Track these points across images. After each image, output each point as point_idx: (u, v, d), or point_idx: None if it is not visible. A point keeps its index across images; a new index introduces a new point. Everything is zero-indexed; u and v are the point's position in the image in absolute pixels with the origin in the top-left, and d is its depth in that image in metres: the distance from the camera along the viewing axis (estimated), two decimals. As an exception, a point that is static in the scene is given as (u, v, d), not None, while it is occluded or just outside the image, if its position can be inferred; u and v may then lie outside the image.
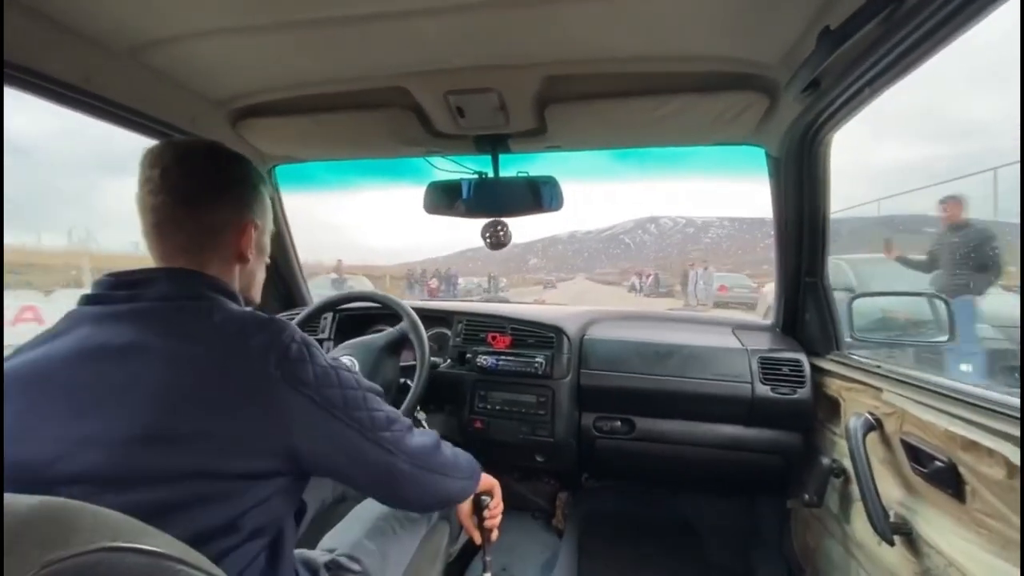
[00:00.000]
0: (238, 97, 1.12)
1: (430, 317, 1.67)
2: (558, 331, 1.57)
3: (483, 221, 1.37)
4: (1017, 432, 0.71)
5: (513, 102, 1.08)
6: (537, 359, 1.52)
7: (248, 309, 0.68)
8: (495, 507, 1.06)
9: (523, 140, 1.28)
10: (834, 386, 1.30)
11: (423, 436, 0.80)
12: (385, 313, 1.79)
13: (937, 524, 0.89)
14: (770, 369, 1.41)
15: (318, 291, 2.08)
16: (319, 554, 0.90)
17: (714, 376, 1.43)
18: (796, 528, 1.52)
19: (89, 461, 0.53)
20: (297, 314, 1.50)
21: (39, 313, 6.51)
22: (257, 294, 0.81)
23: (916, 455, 0.93)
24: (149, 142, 0.77)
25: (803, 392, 1.37)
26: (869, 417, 1.07)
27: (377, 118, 1.18)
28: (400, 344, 1.38)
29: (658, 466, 1.61)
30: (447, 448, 0.87)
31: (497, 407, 1.55)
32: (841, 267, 4.50)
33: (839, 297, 1.37)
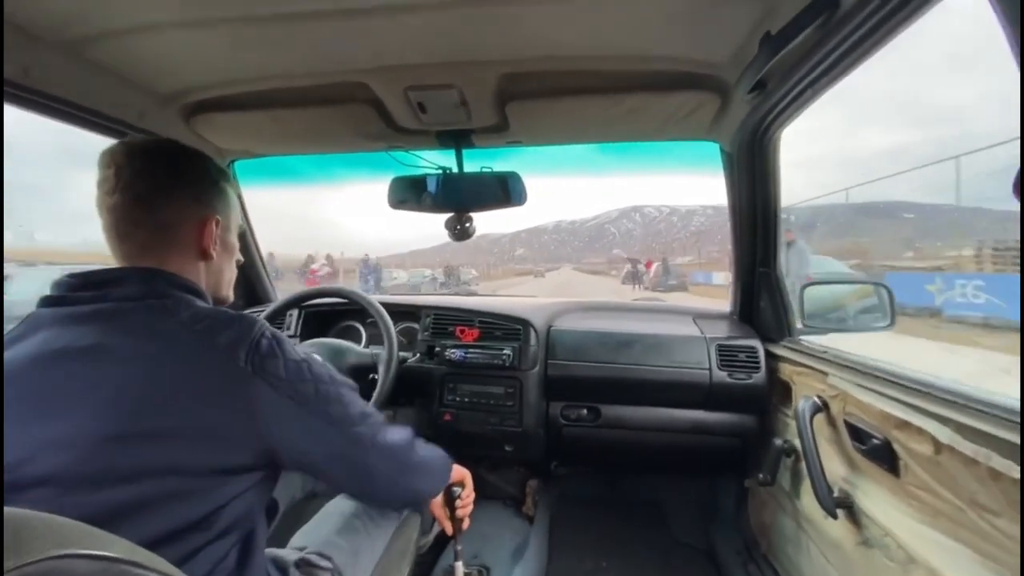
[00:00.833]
0: (190, 92, 1.08)
1: (398, 312, 1.67)
2: (525, 323, 1.59)
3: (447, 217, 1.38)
4: (946, 413, 0.77)
5: (474, 98, 1.09)
6: (505, 351, 1.54)
7: (218, 308, 0.67)
8: (466, 497, 1.08)
9: (486, 135, 1.29)
10: (786, 371, 1.37)
11: (397, 432, 0.81)
12: (352, 309, 1.78)
13: (875, 497, 0.96)
14: (727, 356, 1.47)
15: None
16: (289, 552, 0.90)
17: (674, 363, 1.48)
18: (753, 506, 1.59)
19: (56, 463, 0.52)
20: (262, 311, 1.48)
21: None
22: (227, 292, 0.80)
23: (857, 434, 1.00)
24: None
25: (758, 377, 1.43)
26: (816, 400, 1.13)
27: (337, 114, 1.17)
28: (370, 369, 1.38)
29: (624, 451, 1.66)
30: (420, 444, 0.88)
31: (466, 399, 1.57)
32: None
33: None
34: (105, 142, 1.16)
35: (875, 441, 0.93)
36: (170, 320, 0.60)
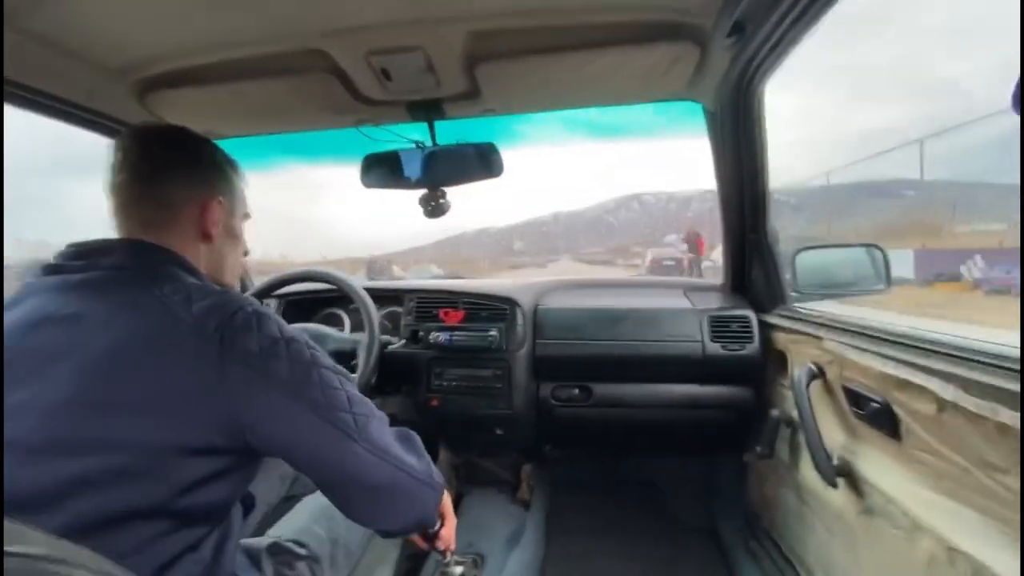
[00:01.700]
0: (139, 66, 1.02)
1: (381, 297, 1.62)
2: (511, 302, 1.54)
3: (421, 192, 1.32)
4: (947, 368, 0.72)
5: (441, 62, 1.03)
6: (491, 332, 1.49)
7: (207, 284, 0.67)
8: (446, 533, 0.89)
9: (458, 104, 1.22)
10: (781, 340, 1.32)
11: (397, 434, 0.72)
12: (334, 295, 1.73)
13: (876, 463, 0.91)
14: (720, 327, 1.42)
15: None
16: (262, 539, 0.86)
17: (666, 337, 1.44)
18: (752, 481, 1.56)
19: (20, 427, 0.51)
20: None
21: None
22: (230, 279, 0.79)
23: (856, 399, 0.95)
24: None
25: (751, 348, 1.39)
26: (812, 366, 1.09)
27: (297, 85, 1.11)
28: (352, 355, 1.33)
29: (618, 430, 1.63)
30: (421, 453, 0.77)
31: (454, 383, 1.53)
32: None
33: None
34: (62, 128, 1.12)
35: (874, 405, 0.89)
36: (152, 291, 0.59)
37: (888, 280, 1.22)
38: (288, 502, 1.28)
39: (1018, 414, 0.60)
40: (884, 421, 0.87)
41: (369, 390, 1.30)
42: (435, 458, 1.82)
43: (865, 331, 0.95)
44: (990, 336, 0.73)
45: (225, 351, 0.57)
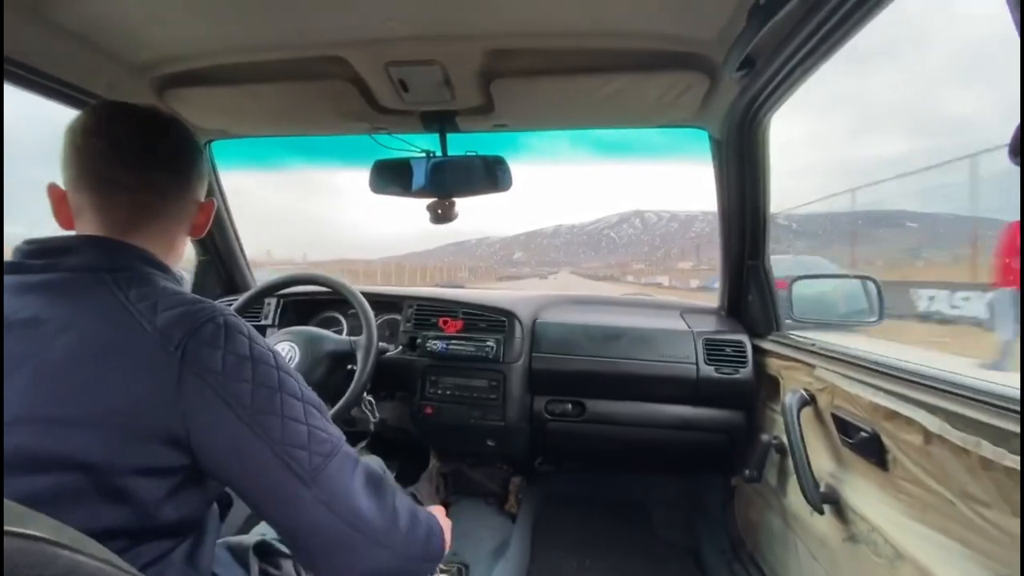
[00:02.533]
0: (162, 63, 1.04)
1: (380, 303, 1.63)
2: (510, 315, 1.56)
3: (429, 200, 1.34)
4: (935, 401, 0.74)
5: (457, 76, 1.05)
6: (488, 343, 1.50)
7: (175, 287, 0.61)
8: None
9: (470, 118, 1.25)
10: (774, 365, 1.34)
11: (366, 485, 0.62)
12: (333, 298, 1.74)
13: (863, 492, 0.93)
14: (714, 350, 1.44)
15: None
16: (248, 537, 0.85)
17: (661, 358, 1.46)
18: (739, 504, 1.57)
19: None
20: (237, 299, 1.44)
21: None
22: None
23: (845, 427, 0.97)
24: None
25: (745, 372, 1.41)
26: (804, 393, 1.11)
27: (316, 90, 1.13)
28: (348, 358, 1.32)
29: (609, 447, 1.63)
30: (404, 510, 0.66)
31: (448, 392, 1.53)
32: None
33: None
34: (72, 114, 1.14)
35: (863, 434, 0.91)
36: (115, 296, 0.55)
37: (881, 313, 1.25)
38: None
39: (1002, 449, 0.62)
40: (872, 450, 0.89)
41: (364, 394, 1.30)
42: (424, 466, 1.82)
43: (857, 361, 0.98)
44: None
45: (185, 365, 0.53)
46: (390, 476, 1.15)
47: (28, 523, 0.37)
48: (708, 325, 1.53)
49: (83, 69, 1.01)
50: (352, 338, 1.36)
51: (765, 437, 1.27)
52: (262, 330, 1.57)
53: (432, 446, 1.82)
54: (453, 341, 1.53)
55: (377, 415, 1.37)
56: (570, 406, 1.55)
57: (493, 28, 0.92)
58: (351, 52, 0.99)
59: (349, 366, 1.32)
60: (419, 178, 1.31)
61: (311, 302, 1.78)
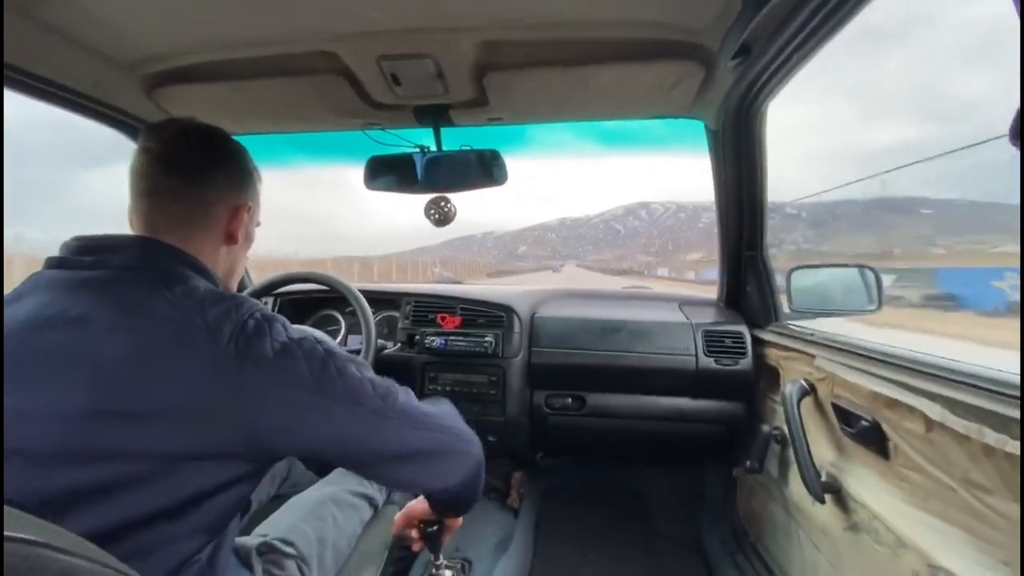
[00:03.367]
0: (149, 60, 1.03)
1: (378, 300, 1.62)
2: (508, 310, 1.55)
3: (426, 198, 1.33)
4: (936, 389, 0.74)
5: (450, 69, 1.04)
6: (487, 338, 1.50)
7: (215, 288, 0.64)
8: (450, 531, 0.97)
9: (465, 112, 1.24)
10: (773, 355, 1.34)
11: (423, 401, 0.71)
12: (331, 296, 1.73)
13: (864, 481, 0.93)
14: (713, 341, 1.44)
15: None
16: (251, 539, 0.86)
17: (660, 350, 1.45)
18: (740, 495, 1.57)
19: (25, 436, 0.50)
20: None
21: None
22: (235, 284, 0.79)
23: (845, 417, 0.97)
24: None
25: (744, 363, 1.40)
26: (804, 383, 1.11)
27: (307, 86, 1.12)
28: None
29: (609, 440, 1.63)
30: (457, 415, 0.78)
31: (448, 388, 1.53)
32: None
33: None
34: (64, 116, 1.13)
35: (864, 423, 0.91)
36: (162, 294, 0.58)
37: (880, 302, 1.24)
38: (276, 501, 1.27)
39: (1004, 436, 0.62)
40: (873, 439, 0.89)
41: None
42: None
43: (857, 350, 0.97)
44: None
45: (242, 358, 0.56)
46: None
47: (24, 527, 0.37)
48: (707, 317, 1.53)
49: (69, 67, 0.99)
50: (351, 345, 1.35)
51: (765, 428, 1.27)
52: None
53: None
54: (452, 337, 1.52)
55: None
56: (570, 400, 1.55)
57: (485, 19, 0.90)
58: (341, 46, 0.98)
59: None
60: (414, 173, 1.30)
61: (308, 300, 1.77)
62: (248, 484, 0.62)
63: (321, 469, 1.18)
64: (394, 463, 0.67)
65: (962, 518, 0.71)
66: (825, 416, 1.07)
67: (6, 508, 0.38)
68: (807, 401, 1.11)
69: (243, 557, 0.79)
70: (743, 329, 1.44)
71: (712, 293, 1.69)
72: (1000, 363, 0.71)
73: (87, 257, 0.61)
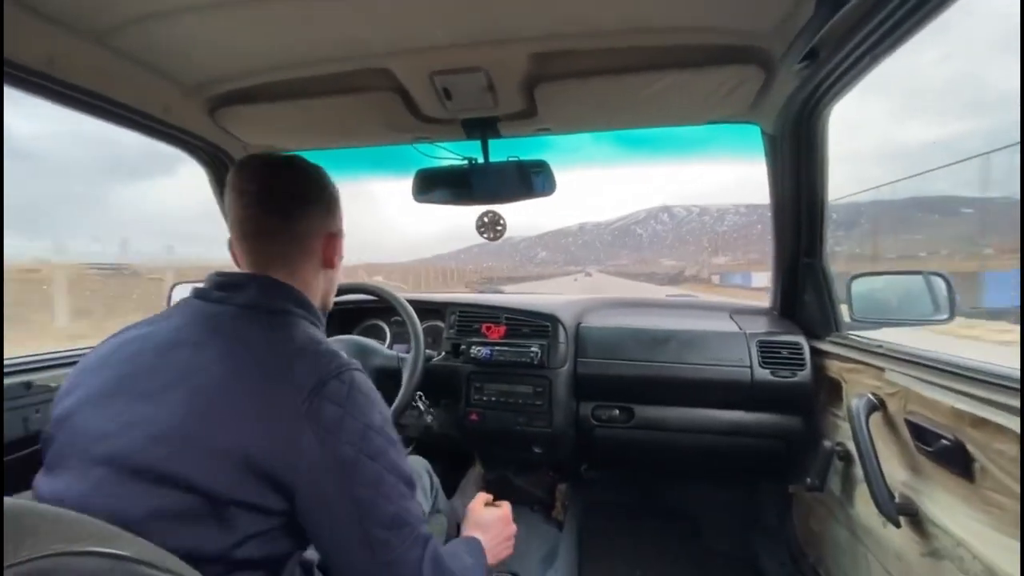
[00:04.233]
0: (213, 83, 1.07)
1: (423, 309, 1.64)
2: (553, 320, 1.54)
3: (477, 211, 1.34)
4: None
5: (501, 82, 1.05)
6: (533, 349, 1.49)
7: (318, 334, 0.68)
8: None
9: (513, 123, 1.24)
10: (835, 368, 1.28)
11: (431, 566, 0.63)
12: (376, 306, 1.76)
13: (945, 504, 0.87)
14: (769, 352, 1.39)
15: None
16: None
17: (712, 361, 1.41)
18: (798, 513, 1.50)
19: (121, 446, 0.54)
20: None
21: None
22: (332, 300, 0.83)
23: (921, 434, 0.91)
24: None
25: (803, 375, 1.35)
26: (872, 398, 1.05)
27: (361, 103, 1.14)
28: (394, 375, 1.32)
29: (658, 454, 1.59)
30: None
31: (493, 399, 1.53)
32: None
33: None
34: (129, 136, 1.18)
35: (944, 442, 0.85)
36: (268, 336, 0.62)
37: (952, 311, 1.17)
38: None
39: None
40: (955, 459, 0.83)
41: (412, 400, 1.31)
42: (469, 469, 1.82)
43: (935, 364, 0.91)
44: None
45: (308, 419, 0.56)
46: (436, 482, 1.16)
47: (116, 542, 0.38)
48: (760, 326, 1.48)
49: (140, 91, 1.05)
50: (400, 354, 1.36)
51: (827, 444, 1.21)
52: None
53: (477, 452, 1.81)
54: (497, 347, 1.52)
55: (431, 412, 1.41)
56: (617, 412, 1.52)
57: (538, 31, 0.90)
58: (396, 63, 1.00)
59: (395, 383, 1.32)
60: (462, 185, 1.31)
61: (355, 310, 1.81)
62: (293, 535, 0.60)
63: None
64: None
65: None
66: (896, 433, 1.01)
67: (97, 523, 0.39)
68: (875, 416, 1.05)
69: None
70: (801, 340, 1.39)
71: (740, 298, 1.64)
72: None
73: (218, 292, 0.66)
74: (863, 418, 1.02)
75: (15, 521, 0.34)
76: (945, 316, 1.20)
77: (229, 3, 0.79)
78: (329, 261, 0.77)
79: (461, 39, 0.92)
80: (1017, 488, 0.72)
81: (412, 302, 1.40)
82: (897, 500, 0.95)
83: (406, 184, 1.37)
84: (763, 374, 1.37)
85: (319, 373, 0.59)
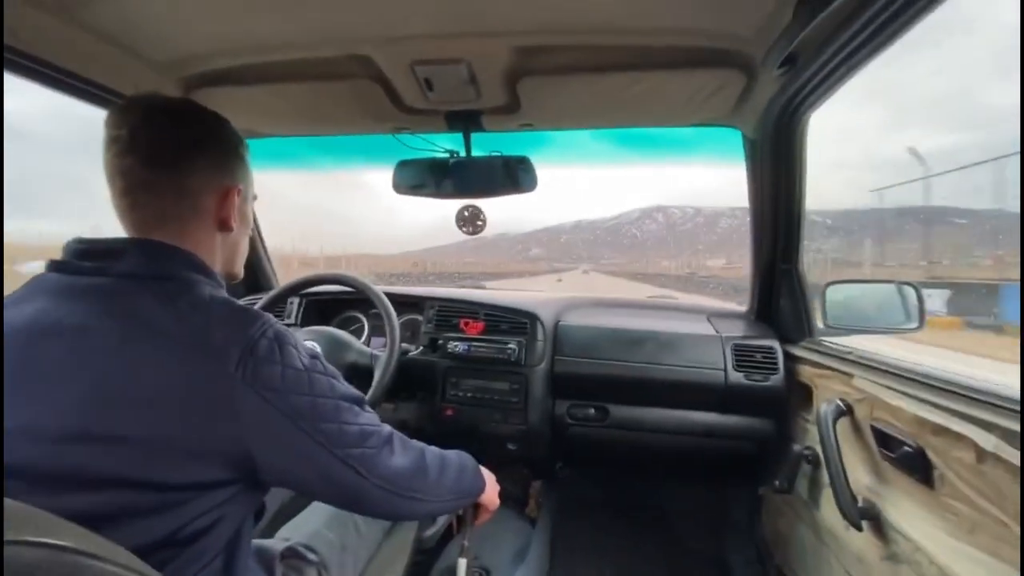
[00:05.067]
0: (188, 62, 1.04)
1: (401, 303, 1.62)
2: (532, 317, 1.53)
3: (457, 205, 1.33)
4: (990, 418, 0.70)
5: (484, 75, 1.04)
6: (510, 345, 1.49)
7: (222, 295, 0.61)
8: (484, 511, 1.03)
9: (496, 117, 1.23)
10: (806, 373, 1.30)
11: (403, 456, 0.71)
12: (355, 298, 1.74)
13: (905, 509, 0.89)
14: (744, 356, 1.40)
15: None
16: (275, 543, 0.86)
17: (688, 363, 1.42)
18: (767, 514, 1.52)
19: (28, 455, 0.47)
20: (259, 299, 1.44)
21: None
22: (239, 268, 0.76)
23: (885, 441, 0.93)
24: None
25: (776, 379, 1.36)
26: (840, 403, 1.07)
27: (341, 90, 1.12)
28: (366, 373, 1.29)
29: (632, 453, 1.60)
30: (434, 465, 0.77)
31: (469, 394, 1.52)
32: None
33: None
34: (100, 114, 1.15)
35: (907, 449, 0.87)
36: (166, 307, 0.54)
37: (922, 320, 1.19)
38: (297, 500, 1.28)
39: None
40: (916, 466, 0.85)
41: (385, 396, 1.29)
42: None
43: (900, 372, 0.93)
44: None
45: (247, 385, 0.53)
46: None
47: (57, 533, 0.37)
48: (737, 330, 1.49)
49: (110, 68, 1.01)
50: (374, 352, 1.34)
51: (796, 447, 1.23)
52: None
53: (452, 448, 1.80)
54: (475, 343, 1.51)
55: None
56: (593, 411, 1.52)
57: (522, 25, 0.89)
58: (377, 50, 0.98)
59: (367, 380, 1.30)
60: (442, 178, 1.30)
61: (333, 301, 1.78)
62: (252, 498, 0.61)
63: None
64: (361, 511, 0.73)
65: (1013, 554, 0.67)
66: (862, 438, 1.03)
67: (39, 513, 0.38)
68: (843, 422, 1.07)
69: (266, 561, 0.79)
70: (775, 344, 1.40)
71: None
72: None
73: (88, 263, 0.57)
74: (830, 423, 1.04)
75: None
76: (914, 325, 1.22)
77: None
78: (224, 222, 0.66)
79: (444, 30, 0.90)
80: (974, 496, 0.73)
81: (390, 295, 1.39)
82: (860, 504, 0.97)
83: (388, 174, 1.35)
84: (737, 377, 1.38)
85: (244, 336, 0.55)
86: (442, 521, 1.43)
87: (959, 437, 0.75)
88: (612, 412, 1.51)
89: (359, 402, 0.67)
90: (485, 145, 1.30)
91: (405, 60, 0.99)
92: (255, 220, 1.75)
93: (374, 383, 1.24)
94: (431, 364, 1.55)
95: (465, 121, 1.24)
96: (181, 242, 0.61)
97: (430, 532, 1.46)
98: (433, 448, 0.81)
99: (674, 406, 1.47)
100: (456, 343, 1.51)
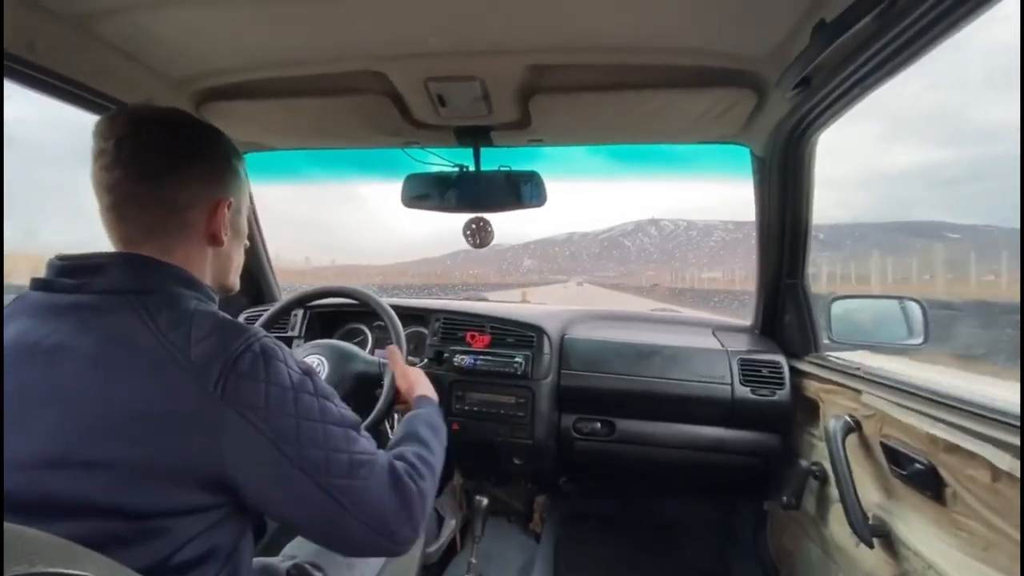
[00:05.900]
0: (201, 77, 1.05)
1: (407, 315, 1.62)
2: (538, 330, 1.53)
3: (464, 217, 1.33)
4: (1005, 437, 0.71)
5: (496, 92, 1.05)
6: (516, 359, 1.48)
7: (207, 308, 0.58)
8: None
9: (506, 133, 1.24)
10: (813, 388, 1.30)
11: (393, 490, 0.62)
12: (360, 311, 1.73)
13: (916, 526, 0.89)
14: (750, 370, 1.40)
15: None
16: (280, 560, 0.85)
17: (694, 377, 1.42)
18: (772, 530, 1.52)
19: (6, 484, 0.46)
20: (266, 310, 1.43)
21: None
22: (234, 280, 0.73)
23: (895, 457, 0.93)
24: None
25: (782, 394, 1.37)
26: (848, 419, 1.07)
27: (352, 105, 1.13)
28: (375, 380, 1.27)
29: (637, 468, 1.60)
30: (429, 492, 0.69)
31: (475, 408, 1.51)
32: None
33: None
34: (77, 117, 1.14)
35: (918, 466, 0.87)
36: (146, 323, 0.52)
37: (926, 336, 1.20)
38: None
39: None
40: (927, 483, 0.85)
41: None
42: (448, 480, 1.80)
43: (911, 389, 0.93)
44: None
45: (226, 404, 0.50)
46: None
47: (79, 562, 0.36)
48: (742, 344, 1.50)
49: (123, 81, 1.02)
50: (381, 359, 1.34)
51: (804, 463, 1.23)
52: (288, 342, 1.56)
53: (456, 463, 1.79)
54: (481, 356, 1.51)
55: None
56: (599, 425, 1.52)
57: (536, 43, 0.91)
58: (391, 67, 0.99)
59: (377, 390, 1.29)
60: (452, 193, 1.30)
61: (337, 314, 1.78)
62: (241, 518, 0.58)
63: None
64: (333, 545, 0.62)
65: (1031, 574, 0.67)
66: (872, 455, 1.03)
67: (62, 542, 0.37)
68: (851, 438, 1.07)
69: None
70: (781, 359, 1.41)
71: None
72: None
73: (70, 279, 0.55)
74: (839, 439, 1.04)
75: None
76: (919, 341, 1.23)
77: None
78: (215, 237, 0.64)
79: (458, 47, 0.91)
80: (988, 513, 0.74)
81: (395, 307, 1.38)
82: (871, 521, 0.97)
83: (395, 187, 1.35)
84: (743, 392, 1.38)
85: (225, 350, 0.52)
86: (446, 535, 1.42)
87: (972, 455, 0.75)
88: (618, 426, 1.50)
89: (354, 427, 0.62)
90: (494, 160, 1.31)
91: (419, 76, 1.00)
92: (259, 232, 1.75)
93: (383, 393, 1.23)
94: (436, 377, 1.53)
95: (475, 136, 1.25)
96: (169, 256, 0.60)
97: (434, 547, 1.45)
98: (429, 461, 0.74)
99: (680, 420, 1.47)
100: (463, 356, 1.51)
